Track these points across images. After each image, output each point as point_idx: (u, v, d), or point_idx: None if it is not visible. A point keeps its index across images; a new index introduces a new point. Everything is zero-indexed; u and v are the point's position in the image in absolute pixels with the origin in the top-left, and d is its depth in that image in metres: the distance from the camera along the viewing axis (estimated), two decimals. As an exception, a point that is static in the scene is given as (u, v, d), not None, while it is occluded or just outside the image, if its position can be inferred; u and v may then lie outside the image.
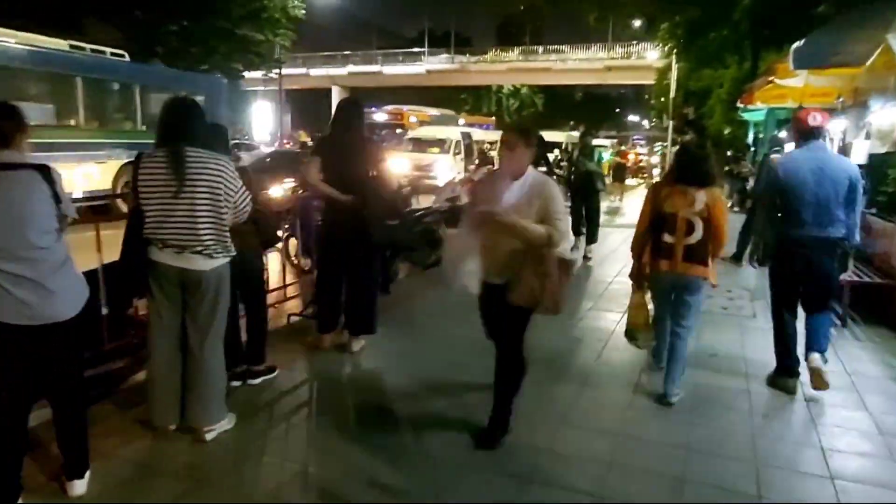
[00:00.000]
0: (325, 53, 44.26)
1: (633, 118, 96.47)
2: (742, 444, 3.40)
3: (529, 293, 3.07)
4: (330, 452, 3.24)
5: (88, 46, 12.06)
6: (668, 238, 3.69)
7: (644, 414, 3.78)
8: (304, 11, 28.97)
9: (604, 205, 11.88)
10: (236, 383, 3.90)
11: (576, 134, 33.59)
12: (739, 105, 11.49)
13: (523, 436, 3.36)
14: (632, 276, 4.06)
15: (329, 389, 4.14)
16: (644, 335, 4.10)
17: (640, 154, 35.93)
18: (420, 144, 21.20)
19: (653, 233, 3.80)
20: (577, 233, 8.75)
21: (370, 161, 4.48)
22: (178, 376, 3.25)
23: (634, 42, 38.67)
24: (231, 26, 26.15)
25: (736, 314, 6.02)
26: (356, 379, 4.33)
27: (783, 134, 8.41)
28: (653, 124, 63.77)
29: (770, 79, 8.87)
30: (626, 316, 4.28)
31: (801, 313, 4.15)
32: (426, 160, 19.86)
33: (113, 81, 12.36)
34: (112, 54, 12.87)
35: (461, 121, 29.42)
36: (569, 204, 8.91)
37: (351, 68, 43.74)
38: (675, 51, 19.41)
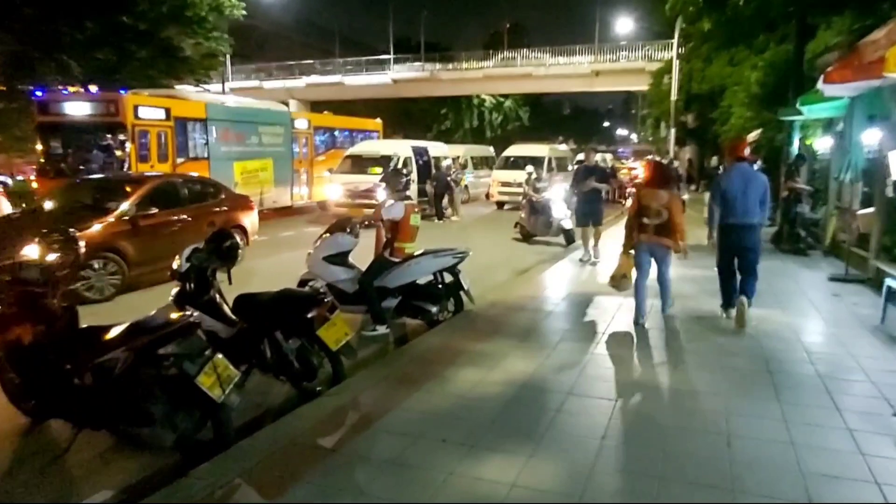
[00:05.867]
0: (280, 63, 39.81)
1: (622, 132, 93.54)
2: None
3: None
4: None
5: None
6: (646, 220, 5.71)
7: None
8: (243, 12, 24.33)
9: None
10: None
11: (562, 147, 29.50)
12: (820, 88, 6.98)
13: None
14: (624, 245, 6.03)
15: None
16: (624, 283, 6.07)
17: (633, 167, 31.96)
18: (359, 163, 16.61)
19: (637, 217, 5.78)
20: None
21: None
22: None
23: (623, 42, 34.52)
24: (149, 27, 21.79)
25: None
26: None
27: None
28: (641, 136, 60.40)
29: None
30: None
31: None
32: (365, 184, 15.22)
33: None
34: None
35: (303, 123, 19.11)
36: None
37: (308, 80, 39.22)
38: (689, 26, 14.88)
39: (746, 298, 5.87)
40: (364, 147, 18.12)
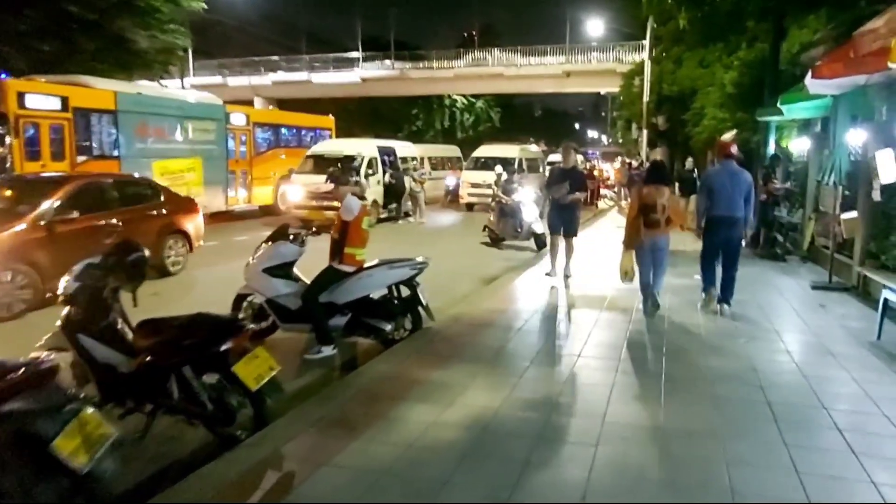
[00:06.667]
0: (245, 59, 38.51)
1: (592, 134, 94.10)
2: None
3: None
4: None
5: None
6: (653, 216, 6.08)
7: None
8: (203, 4, 23.11)
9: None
10: None
11: (533, 148, 29.00)
12: (807, 83, 6.47)
13: None
14: (625, 241, 6.38)
15: None
16: (630, 276, 6.38)
17: (603, 169, 32.11)
18: (322, 164, 15.76)
19: (643, 214, 6.11)
20: None
21: None
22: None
23: (594, 44, 34.25)
24: (98, 17, 20.57)
25: None
26: None
27: None
28: (611, 140, 60.71)
29: None
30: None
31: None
32: (327, 186, 14.32)
33: None
34: None
35: (240, 119, 16.84)
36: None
37: (274, 77, 38.02)
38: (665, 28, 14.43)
39: (727, 306, 6.42)
40: (326, 146, 17.26)
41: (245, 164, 16.78)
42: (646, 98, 21.40)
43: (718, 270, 6.53)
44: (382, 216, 16.16)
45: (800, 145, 11.17)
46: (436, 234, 14.63)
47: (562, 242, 8.16)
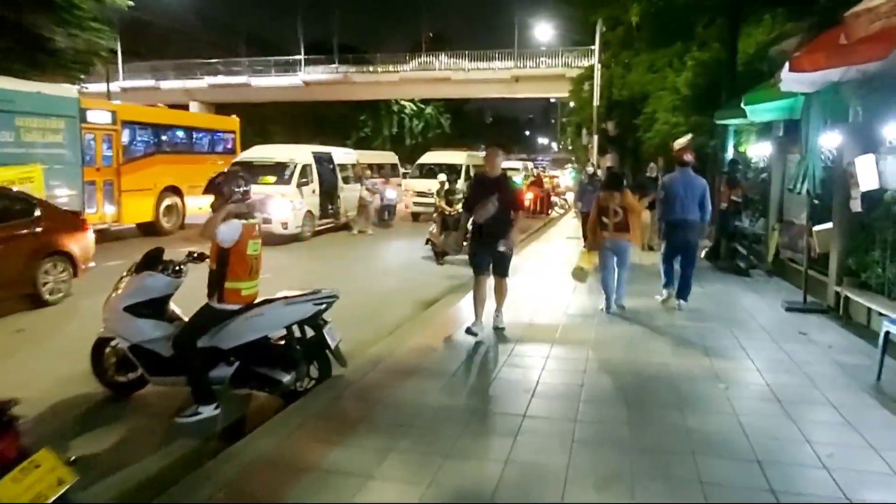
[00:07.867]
0: (179, 62, 36.40)
1: (542, 140, 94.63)
2: None
3: None
4: None
5: None
6: (605, 220, 6.57)
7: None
8: (130, 2, 21.22)
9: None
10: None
11: (482, 154, 28.23)
12: (784, 77, 5.62)
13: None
14: (587, 244, 7.13)
15: None
16: (582, 276, 7.03)
17: (554, 176, 31.61)
18: (249, 172, 14.32)
19: (598, 218, 6.63)
20: None
21: None
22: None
23: (543, 48, 33.79)
24: (8, 13, 18.58)
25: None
26: None
27: None
28: (561, 147, 60.90)
29: None
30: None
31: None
32: (256, 196, 12.91)
33: None
34: None
35: (103, 116, 13.71)
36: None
37: (212, 80, 36.07)
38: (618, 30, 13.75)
39: (683, 302, 6.94)
40: (256, 152, 15.79)
41: (110, 172, 13.64)
42: (596, 103, 20.80)
43: (677, 267, 7.03)
44: (318, 228, 14.92)
45: (759, 150, 10.54)
46: (373, 249, 13.47)
47: (490, 282, 5.98)
